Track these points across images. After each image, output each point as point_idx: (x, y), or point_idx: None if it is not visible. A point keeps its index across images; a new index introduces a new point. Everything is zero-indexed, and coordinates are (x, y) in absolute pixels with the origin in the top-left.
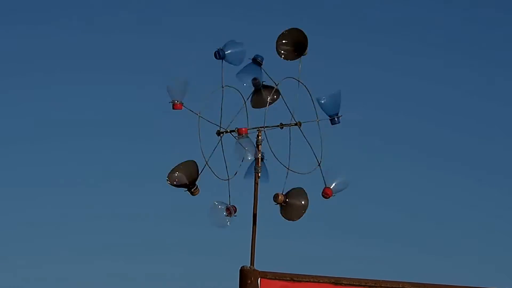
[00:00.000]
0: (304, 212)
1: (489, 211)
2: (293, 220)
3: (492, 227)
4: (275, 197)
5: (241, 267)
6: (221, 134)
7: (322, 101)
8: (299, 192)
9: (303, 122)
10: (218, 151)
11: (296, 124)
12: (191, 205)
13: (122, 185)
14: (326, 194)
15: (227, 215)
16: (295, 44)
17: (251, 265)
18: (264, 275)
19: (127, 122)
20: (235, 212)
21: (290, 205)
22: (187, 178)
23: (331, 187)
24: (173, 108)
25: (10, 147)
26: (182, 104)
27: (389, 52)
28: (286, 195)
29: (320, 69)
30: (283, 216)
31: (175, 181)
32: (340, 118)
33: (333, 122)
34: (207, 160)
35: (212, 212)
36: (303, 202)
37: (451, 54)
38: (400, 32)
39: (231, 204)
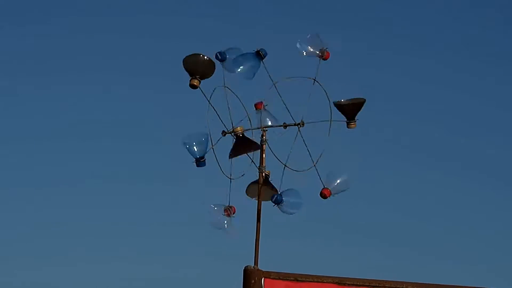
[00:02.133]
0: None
1: (489, 212)
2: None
3: (492, 229)
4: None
5: (245, 267)
6: (227, 134)
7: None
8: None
9: (307, 123)
10: (223, 151)
11: (299, 124)
12: (194, 205)
13: (125, 186)
14: (323, 194)
15: (225, 215)
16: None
17: (255, 265)
18: (268, 275)
19: (137, 124)
20: (233, 212)
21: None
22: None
23: (330, 187)
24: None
25: (23, 147)
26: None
27: (390, 53)
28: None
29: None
30: None
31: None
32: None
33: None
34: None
35: (211, 215)
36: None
37: (448, 56)
38: (404, 34)
39: (229, 205)
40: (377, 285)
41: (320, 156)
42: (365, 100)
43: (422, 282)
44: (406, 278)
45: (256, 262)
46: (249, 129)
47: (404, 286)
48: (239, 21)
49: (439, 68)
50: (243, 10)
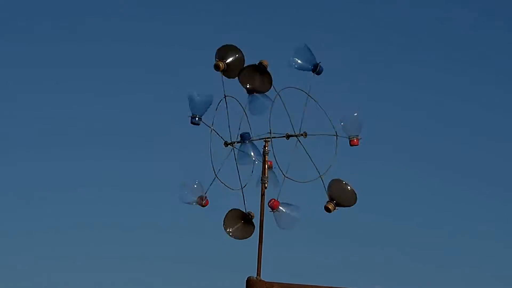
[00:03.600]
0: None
1: (485, 219)
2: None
3: (489, 236)
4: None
5: (247, 278)
6: (229, 145)
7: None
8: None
9: (309, 135)
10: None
11: (302, 135)
12: (198, 215)
13: (130, 193)
14: (273, 206)
15: (196, 202)
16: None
17: (257, 275)
18: (271, 286)
19: (137, 131)
20: (205, 204)
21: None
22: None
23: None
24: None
25: (22, 152)
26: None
27: (388, 61)
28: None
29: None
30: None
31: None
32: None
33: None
34: (216, 173)
35: (188, 189)
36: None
37: (446, 63)
38: (402, 40)
39: (205, 195)
40: None
41: (328, 169)
42: None
43: None
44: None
45: (258, 273)
46: (252, 139)
47: None
48: (238, 28)
49: (438, 75)
50: (241, 18)
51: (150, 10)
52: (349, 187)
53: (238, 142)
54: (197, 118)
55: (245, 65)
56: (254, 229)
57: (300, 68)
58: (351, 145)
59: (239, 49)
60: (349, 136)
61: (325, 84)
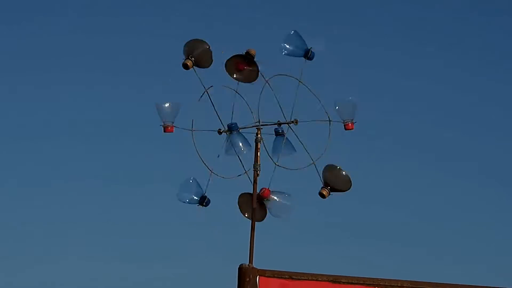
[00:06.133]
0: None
1: (488, 211)
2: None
3: (492, 227)
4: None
5: (239, 265)
6: (223, 133)
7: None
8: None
9: (302, 121)
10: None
11: (293, 122)
12: (189, 204)
13: (120, 186)
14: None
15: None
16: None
17: (249, 263)
18: (263, 273)
19: (129, 124)
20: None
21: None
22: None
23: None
24: (164, 131)
25: (18, 146)
26: (173, 126)
27: (392, 53)
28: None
29: (318, 70)
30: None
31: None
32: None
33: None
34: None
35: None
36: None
37: (451, 54)
38: (404, 32)
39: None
40: (372, 283)
41: (321, 155)
42: None
43: (417, 280)
44: (401, 276)
45: (251, 261)
46: (244, 127)
47: (399, 284)
48: (228, 18)
49: (442, 68)
50: (232, 8)
51: (146, 3)
52: (343, 172)
53: (228, 132)
54: (205, 201)
55: (231, 55)
56: (266, 212)
57: (291, 54)
58: (346, 129)
59: (205, 41)
60: (343, 121)
61: (318, 71)
